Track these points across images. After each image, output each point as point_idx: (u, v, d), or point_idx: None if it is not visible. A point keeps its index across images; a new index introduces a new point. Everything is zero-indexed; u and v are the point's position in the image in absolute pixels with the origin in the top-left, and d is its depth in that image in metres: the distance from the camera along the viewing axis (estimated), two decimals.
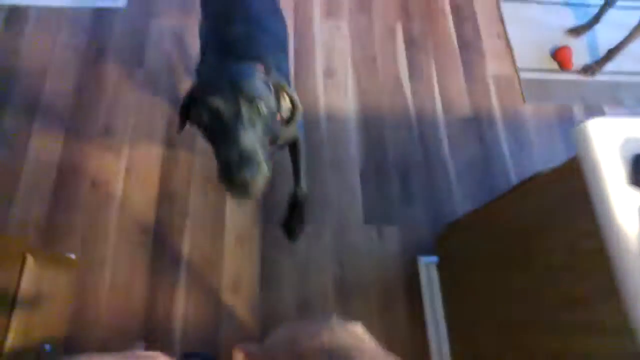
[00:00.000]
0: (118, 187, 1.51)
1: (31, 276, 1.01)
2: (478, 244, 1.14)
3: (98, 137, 1.58)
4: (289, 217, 1.29)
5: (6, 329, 0.93)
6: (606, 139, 0.67)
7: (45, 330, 1.10)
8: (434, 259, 1.44)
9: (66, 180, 1.52)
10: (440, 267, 1.40)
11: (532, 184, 0.89)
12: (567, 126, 1.71)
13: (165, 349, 1.33)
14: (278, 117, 0.85)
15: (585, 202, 0.69)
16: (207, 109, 0.72)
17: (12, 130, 1.57)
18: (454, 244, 1.30)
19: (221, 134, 0.72)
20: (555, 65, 1.83)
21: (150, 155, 1.56)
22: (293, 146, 1.23)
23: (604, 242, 0.64)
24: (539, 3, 1.97)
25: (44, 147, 1.55)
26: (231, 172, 0.68)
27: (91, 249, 1.44)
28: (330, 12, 1.87)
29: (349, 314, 1.39)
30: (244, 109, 0.72)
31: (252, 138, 0.71)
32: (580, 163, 0.70)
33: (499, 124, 1.70)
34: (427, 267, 1.44)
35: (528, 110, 1.73)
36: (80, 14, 1.78)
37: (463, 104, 1.74)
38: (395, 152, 1.64)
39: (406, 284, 1.45)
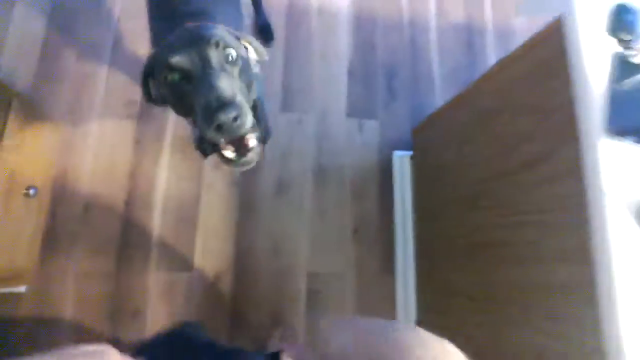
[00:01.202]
0: (105, 59, 1.51)
1: (18, 119, 1.04)
2: (451, 132, 1.19)
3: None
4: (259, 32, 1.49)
5: None
6: None
7: (31, 174, 1.15)
8: (408, 153, 1.50)
9: (53, 51, 1.51)
10: (413, 158, 1.46)
11: (508, 58, 0.92)
12: None
13: (145, 216, 1.39)
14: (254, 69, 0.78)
15: (563, 61, 0.71)
16: (172, 71, 0.65)
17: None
18: (429, 136, 1.36)
19: (193, 90, 0.64)
20: None
21: (141, 30, 1.55)
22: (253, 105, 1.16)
23: (573, 90, 0.68)
24: None
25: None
26: (212, 120, 0.60)
27: (77, 116, 1.46)
28: None
29: (323, 198, 1.47)
30: (212, 55, 0.65)
31: (227, 81, 0.64)
32: (563, 21, 0.72)
33: (490, 34, 1.71)
34: (401, 160, 1.50)
35: (518, 24, 1.74)
36: None
37: (456, 11, 1.73)
38: (384, 52, 1.64)
39: (380, 176, 1.51)
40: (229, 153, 0.69)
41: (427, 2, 1.73)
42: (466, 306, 1.01)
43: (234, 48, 0.68)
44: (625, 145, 0.64)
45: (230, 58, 0.67)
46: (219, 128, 0.60)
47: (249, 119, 0.63)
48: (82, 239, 1.36)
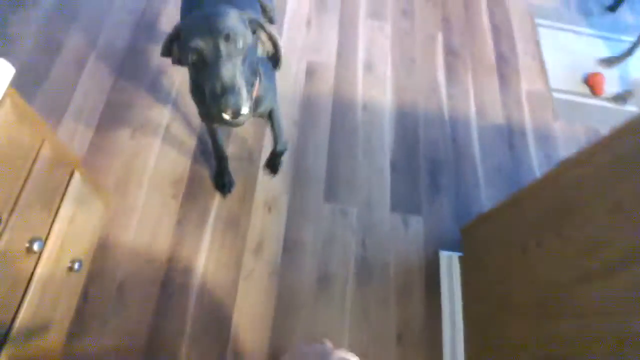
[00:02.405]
0: (157, 139, 1.56)
1: (75, 192, 1.03)
2: (510, 232, 1.15)
3: (147, 89, 1.64)
4: (270, 160, 1.51)
5: (47, 235, 0.94)
6: None
7: (77, 249, 1.11)
8: (456, 253, 1.44)
9: (109, 123, 1.56)
10: (463, 260, 1.40)
11: (570, 161, 0.92)
12: None
13: (180, 302, 1.32)
14: (261, 53, 0.94)
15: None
16: (191, 50, 0.80)
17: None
18: (481, 236, 1.31)
19: (204, 71, 0.81)
20: (586, 90, 1.89)
21: (192, 116, 1.61)
22: (270, 115, 1.35)
23: None
24: (574, 32, 2.06)
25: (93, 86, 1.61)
26: (214, 102, 0.78)
27: (123, 192, 1.46)
28: (375, 13, 1.97)
29: (366, 295, 1.39)
30: (222, 46, 0.79)
31: (231, 71, 0.78)
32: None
33: (530, 135, 1.75)
34: (449, 260, 1.44)
35: (558, 126, 1.78)
36: None
37: (496, 113, 1.79)
38: (426, 148, 1.67)
39: (426, 275, 1.45)
40: (226, 116, 0.80)
41: (466, 100, 1.80)
42: None
43: (241, 37, 0.81)
44: None
45: (237, 47, 0.81)
46: (221, 109, 0.78)
47: (245, 101, 0.79)
48: (113, 322, 1.28)
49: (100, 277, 1.34)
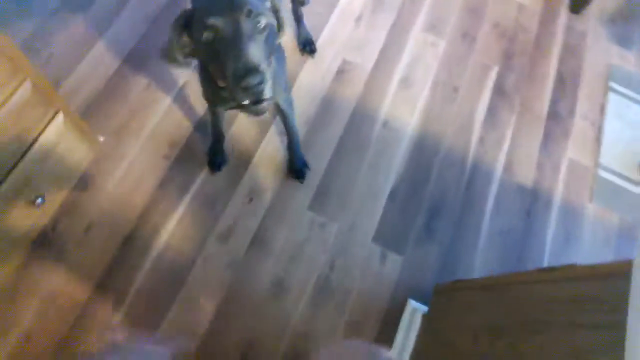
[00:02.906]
0: (169, 97, 1.54)
1: (54, 133, 1.02)
2: (479, 311, 1.03)
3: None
4: (291, 163, 1.46)
5: (8, 172, 0.94)
6: None
7: (47, 185, 1.12)
8: (424, 307, 1.33)
9: (129, 69, 1.56)
10: (426, 317, 1.29)
11: (571, 271, 0.78)
12: (625, 243, 1.53)
13: (137, 258, 1.32)
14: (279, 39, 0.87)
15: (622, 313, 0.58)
16: (208, 30, 0.73)
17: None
18: (451, 301, 1.19)
19: (224, 51, 0.73)
20: (639, 177, 1.65)
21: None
22: (285, 123, 1.30)
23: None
24: None
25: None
26: (235, 84, 0.71)
27: (119, 139, 1.46)
28: (433, 27, 1.81)
29: (317, 318, 1.32)
30: (244, 24, 0.73)
31: (255, 50, 0.72)
32: (634, 270, 0.59)
33: (555, 207, 1.56)
34: (413, 311, 1.33)
35: (591, 208, 1.57)
36: None
37: (526, 172, 1.61)
38: (435, 186, 1.54)
39: (385, 318, 1.35)
40: (247, 100, 0.75)
41: (498, 149, 1.63)
42: None
43: (263, 16, 0.75)
44: None
45: (259, 26, 0.75)
46: (245, 90, 0.71)
47: (269, 84, 0.74)
48: (70, 258, 1.30)
49: (74, 212, 1.36)
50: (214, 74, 0.85)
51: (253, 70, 0.70)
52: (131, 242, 1.35)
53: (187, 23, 0.80)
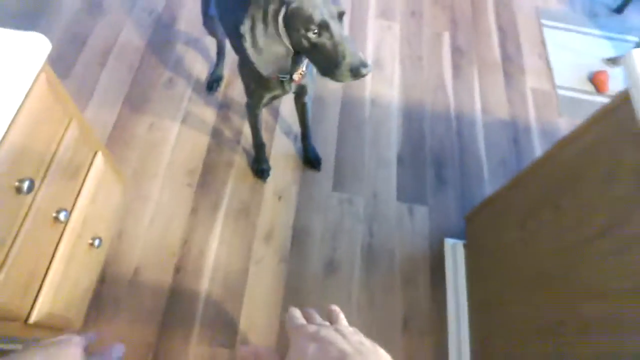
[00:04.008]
0: (174, 131, 1.62)
1: (97, 172, 1.10)
2: (510, 213, 1.19)
3: (163, 84, 1.72)
4: (306, 153, 1.59)
5: (72, 208, 1.00)
6: None
7: (97, 226, 1.17)
8: (460, 241, 1.47)
9: (127, 118, 1.64)
10: (467, 246, 1.43)
11: (570, 136, 0.96)
12: None
13: (192, 286, 1.37)
14: None
15: (633, 132, 0.75)
16: (316, 24, 0.87)
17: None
18: (484, 221, 1.35)
19: (330, 49, 0.89)
20: (591, 88, 1.92)
21: (207, 111, 1.68)
22: (299, 101, 1.40)
23: None
24: (581, 33, 2.09)
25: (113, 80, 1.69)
26: (358, 70, 0.88)
27: (139, 182, 1.53)
28: (384, 13, 2.04)
29: (372, 282, 1.42)
30: (341, 23, 0.91)
31: (348, 40, 0.90)
32: (629, 91, 0.77)
33: (534, 130, 1.78)
34: (454, 247, 1.47)
35: (562, 122, 1.81)
36: None
37: (501, 109, 1.83)
38: (432, 142, 1.72)
39: (432, 263, 1.48)
40: (364, 70, 0.89)
41: (472, 97, 1.84)
42: None
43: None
44: None
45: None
46: (357, 74, 0.88)
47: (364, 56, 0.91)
48: (128, 304, 1.33)
49: (117, 261, 1.40)
50: (313, 60, 0.96)
51: (365, 62, 0.88)
52: (182, 272, 1.39)
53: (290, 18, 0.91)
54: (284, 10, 0.89)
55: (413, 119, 1.76)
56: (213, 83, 1.70)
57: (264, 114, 1.68)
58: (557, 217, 0.94)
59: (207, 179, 1.56)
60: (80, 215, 1.03)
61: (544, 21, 2.10)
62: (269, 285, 1.40)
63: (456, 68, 1.91)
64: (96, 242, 1.13)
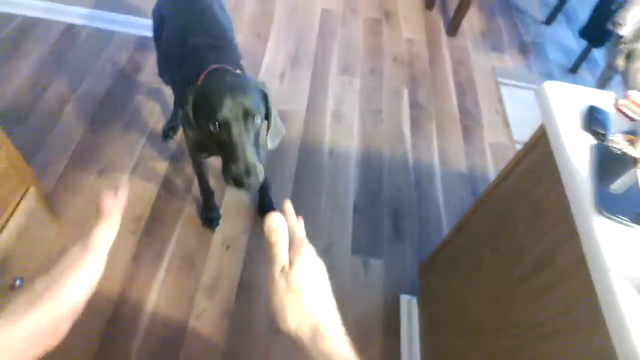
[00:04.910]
0: (123, 178, 1.58)
1: (28, 207, 1.04)
2: (455, 260, 1.15)
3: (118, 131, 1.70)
4: (261, 207, 1.55)
5: None
6: (562, 98, 0.80)
7: (23, 265, 1.09)
8: (416, 296, 1.40)
9: (78, 164, 1.60)
10: (420, 299, 1.36)
11: (496, 180, 0.96)
12: None
13: (126, 338, 1.26)
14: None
15: (550, 162, 0.74)
16: (216, 122, 0.85)
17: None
18: (434, 271, 1.30)
19: (227, 146, 0.86)
20: None
21: (160, 158, 1.66)
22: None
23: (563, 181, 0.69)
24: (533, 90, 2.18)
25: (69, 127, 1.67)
26: (239, 180, 0.86)
27: (83, 225, 1.45)
28: (346, 69, 2.11)
29: None
30: (249, 126, 0.86)
31: (252, 151, 0.86)
32: (544, 125, 0.78)
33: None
34: (409, 304, 1.40)
35: None
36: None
37: (460, 162, 1.84)
38: (390, 192, 1.70)
39: (385, 319, 1.39)
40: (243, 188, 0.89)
41: (430, 150, 1.86)
42: None
43: (259, 114, 0.88)
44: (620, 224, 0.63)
45: (255, 123, 0.88)
46: (238, 184, 0.87)
47: (261, 177, 0.89)
48: (53, 351, 1.20)
49: None
50: (209, 146, 0.96)
51: (251, 171, 0.85)
52: (115, 323, 1.29)
53: (194, 103, 0.91)
54: (191, 97, 0.91)
55: (371, 169, 1.76)
56: (169, 131, 1.69)
57: (215, 161, 1.66)
58: (495, 259, 0.90)
59: (153, 226, 1.50)
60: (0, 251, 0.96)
61: (499, 79, 2.19)
62: (209, 340, 1.29)
63: (415, 122, 1.95)
64: (17, 283, 1.05)
